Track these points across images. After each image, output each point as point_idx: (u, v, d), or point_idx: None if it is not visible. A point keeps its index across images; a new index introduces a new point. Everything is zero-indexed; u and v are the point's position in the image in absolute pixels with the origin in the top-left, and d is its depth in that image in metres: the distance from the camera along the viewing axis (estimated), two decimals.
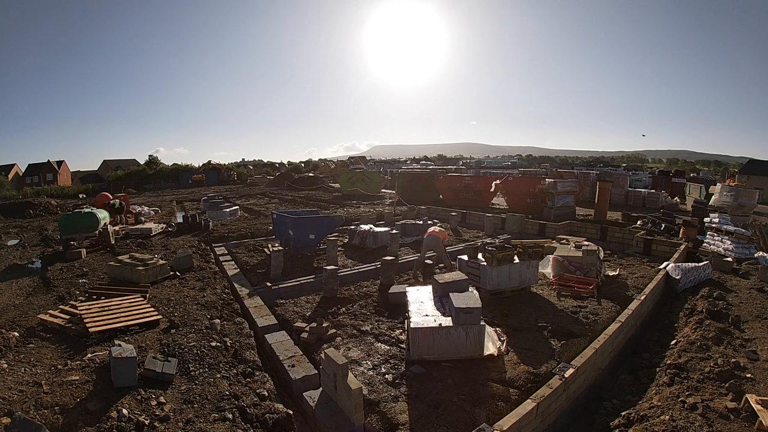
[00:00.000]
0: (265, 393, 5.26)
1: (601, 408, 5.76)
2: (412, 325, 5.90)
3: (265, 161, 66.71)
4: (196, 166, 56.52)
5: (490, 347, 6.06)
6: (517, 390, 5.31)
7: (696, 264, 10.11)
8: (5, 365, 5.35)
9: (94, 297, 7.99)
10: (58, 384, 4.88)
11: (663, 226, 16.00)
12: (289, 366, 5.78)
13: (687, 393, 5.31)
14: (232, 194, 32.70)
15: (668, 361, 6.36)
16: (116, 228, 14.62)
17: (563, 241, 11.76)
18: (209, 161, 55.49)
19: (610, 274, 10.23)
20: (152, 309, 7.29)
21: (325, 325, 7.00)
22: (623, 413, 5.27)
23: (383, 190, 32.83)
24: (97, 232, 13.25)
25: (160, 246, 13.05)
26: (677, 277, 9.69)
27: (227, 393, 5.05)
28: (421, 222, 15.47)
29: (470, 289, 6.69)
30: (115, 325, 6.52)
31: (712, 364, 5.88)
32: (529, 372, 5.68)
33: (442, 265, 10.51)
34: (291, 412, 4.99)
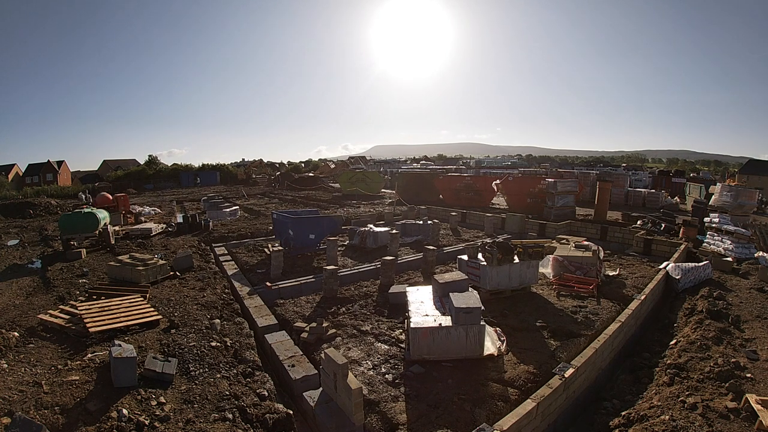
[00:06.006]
0: (265, 393, 5.26)
1: (601, 408, 5.76)
2: (412, 325, 5.90)
3: (266, 161, 66.65)
4: (196, 166, 56.52)
5: (490, 347, 6.06)
6: (517, 390, 5.31)
7: (696, 264, 10.11)
8: (5, 365, 5.35)
9: (94, 297, 7.99)
10: (58, 384, 4.88)
11: (663, 226, 16.00)
12: (289, 366, 5.78)
13: (687, 393, 5.31)
14: (232, 194, 32.70)
15: (668, 361, 6.36)
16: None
17: (563, 241, 11.75)
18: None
19: (610, 273, 10.23)
20: (152, 309, 7.29)
21: (325, 325, 7.00)
22: (623, 413, 5.27)
23: (383, 190, 32.83)
24: (97, 232, 13.24)
25: (160, 246, 13.05)
26: (677, 277, 9.69)
27: (227, 393, 5.05)
28: (421, 222, 15.47)
29: (469, 289, 6.69)
30: (115, 325, 6.52)
31: (712, 364, 5.88)
32: (529, 372, 5.68)
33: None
34: (291, 412, 4.99)
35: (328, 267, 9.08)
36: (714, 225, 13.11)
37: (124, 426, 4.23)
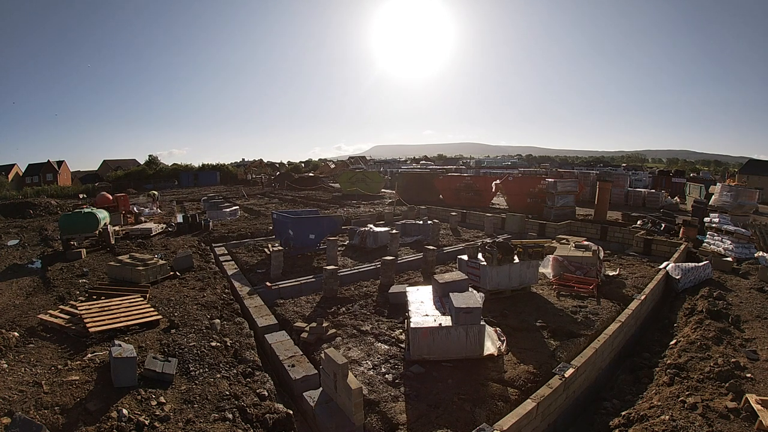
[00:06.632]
0: (265, 393, 5.26)
1: (601, 408, 5.76)
2: (412, 325, 5.90)
3: (266, 161, 66.72)
4: (196, 166, 56.57)
5: (490, 347, 6.06)
6: (517, 390, 5.31)
7: (696, 264, 10.11)
8: (5, 365, 5.35)
9: (94, 297, 7.99)
10: (58, 384, 4.88)
11: (663, 226, 16.01)
12: (289, 366, 5.78)
13: (687, 393, 5.31)
14: (232, 194, 32.72)
15: (668, 361, 6.36)
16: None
17: (563, 241, 11.76)
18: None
19: (610, 273, 10.23)
20: (152, 309, 7.29)
21: (325, 325, 7.00)
22: (623, 413, 5.27)
23: (383, 190, 32.83)
24: (97, 232, 13.25)
25: (160, 246, 13.05)
26: (677, 277, 9.69)
27: (227, 393, 5.05)
28: (421, 222, 15.47)
29: (469, 289, 6.69)
30: (115, 325, 6.52)
31: (712, 364, 5.88)
32: (529, 372, 5.68)
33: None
34: (291, 412, 4.99)
35: (328, 267, 9.08)
36: (714, 225, 13.11)
37: (124, 426, 4.23)
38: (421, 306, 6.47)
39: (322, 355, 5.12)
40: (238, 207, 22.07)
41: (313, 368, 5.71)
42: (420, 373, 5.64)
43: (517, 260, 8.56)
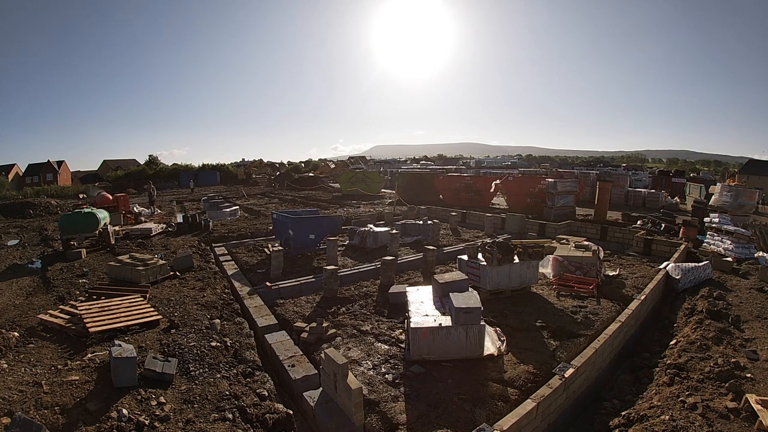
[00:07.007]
0: (265, 393, 5.26)
1: (601, 408, 5.76)
2: (411, 325, 5.90)
3: (266, 161, 66.74)
4: (196, 166, 56.61)
5: (490, 347, 6.06)
6: (517, 390, 5.31)
7: (696, 264, 10.11)
8: (5, 365, 5.35)
9: (94, 297, 7.99)
10: (58, 384, 4.88)
11: (663, 226, 16.01)
12: (289, 366, 5.78)
13: (687, 393, 5.31)
14: (232, 194, 32.72)
15: (668, 361, 6.36)
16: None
17: (563, 241, 11.76)
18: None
19: (610, 273, 10.23)
20: (152, 309, 7.29)
21: (325, 325, 7.00)
22: (623, 413, 5.27)
23: (383, 190, 32.84)
24: (97, 232, 13.25)
25: (160, 246, 13.05)
26: (677, 277, 9.69)
27: (227, 393, 5.05)
28: (421, 222, 15.47)
29: (469, 289, 6.69)
30: (115, 325, 6.52)
31: (712, 364, 5.88)
32: (529, 372, 5.68)
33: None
34: (291, 412, 4.99)
35: (328, 267, 9.08)
36: (714, 225, 13.11)
37: (124, 426, 4.23)
38: (421, 306, 6.47)
39: (322, 355, 5.12)
40: (238, 207, 22.08)
41: (313, 368, 5.71)
42: (420, 373, 5.64)
43: (517, 260, 8.56)
